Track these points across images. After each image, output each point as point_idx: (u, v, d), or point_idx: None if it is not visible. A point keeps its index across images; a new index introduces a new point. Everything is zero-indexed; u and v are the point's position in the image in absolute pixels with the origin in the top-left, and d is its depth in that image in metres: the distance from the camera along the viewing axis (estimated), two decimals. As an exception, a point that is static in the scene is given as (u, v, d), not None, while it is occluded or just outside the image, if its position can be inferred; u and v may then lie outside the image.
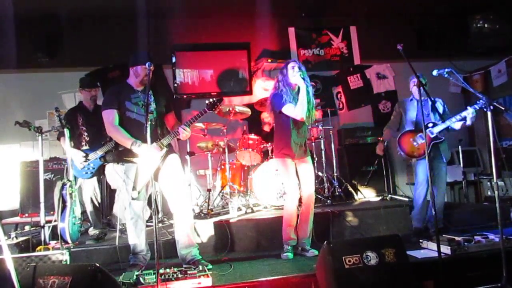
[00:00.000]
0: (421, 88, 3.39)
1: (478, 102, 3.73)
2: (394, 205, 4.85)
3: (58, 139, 4.45)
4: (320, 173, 5.54)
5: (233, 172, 5.25)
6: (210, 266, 3.34)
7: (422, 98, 3.74)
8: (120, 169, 3.45)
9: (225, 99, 6.35)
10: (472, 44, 6.78)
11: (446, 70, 3.27)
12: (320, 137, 5.67)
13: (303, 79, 3.61)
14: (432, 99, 4.30)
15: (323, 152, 5.68)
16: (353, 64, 6.91)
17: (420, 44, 6.88)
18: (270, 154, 5.18)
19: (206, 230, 4.18)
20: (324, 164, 5.61)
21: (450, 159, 4.88)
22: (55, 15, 5.83)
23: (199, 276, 2.95)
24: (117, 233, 4.01)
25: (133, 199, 3.35)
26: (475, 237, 3.57)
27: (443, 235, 3.66)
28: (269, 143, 5.15)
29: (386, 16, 6.66)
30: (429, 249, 3.56)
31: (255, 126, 5.96)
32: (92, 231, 4.38)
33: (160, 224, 4.67)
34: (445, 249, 3.36)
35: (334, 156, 6.08)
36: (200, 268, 3.09)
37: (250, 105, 5.64)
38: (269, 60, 6.40)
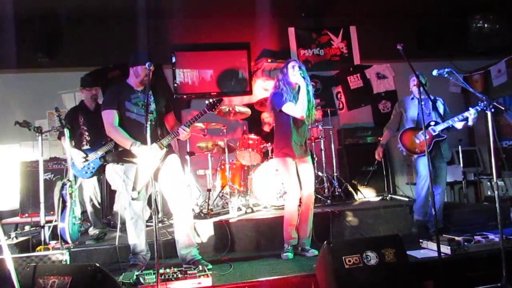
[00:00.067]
0: (421, 87, 3.39)
1: (480, 103, 3.75)
2: (394, 205, 4.86)
3: (59, 138, 4.45)
4: (320, 173, 5.54)
5: (233, 172, 5.25)
6: (210, 266, 3.34)
7: (423, 97, 3.75)
8: (120, 169, 3.45)
9: (225, 99, 6.34)
10: (472, 44, 6.78)
11: (446, 70, 3.27)
12: (320, 137, 5.67)
13: (303, 78, 3.62)
14: (433, 98, 4.32)
15: (323, 152, 5.68)
16: (353, 64, 6.91)
17: (420, 44, 6.89)
18: (270, 154, 5.18)
19: (206, 230, 4.18)
20: (324, 164, 5.61)
21: (450, 159, 4.88)
22: (55, 15, 5.83)
23: (199, 276, 2.95)
24: (117, 233, 4.00)
25: (133, 199, 3.35)
26: (475, 237, 3.57)
27: (443, 235, 3.66)
28: (269, 143, 5.15)
29: (386, 16, 6.66)
30: (429, 249, 3.56)
31: (255, 126, 5.96)
32: (92, 231, 4.39)
33: (160, 224, 4.67)
34: (445, 249, 3.36)
35: (334, 156, 6.08)
36: (200, 268, 3.09)
37: (250, 105, 5.64)
38: (269, 60, 6.40)
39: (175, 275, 2.95)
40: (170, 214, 4.52)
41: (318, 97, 6.08)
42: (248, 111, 5.31)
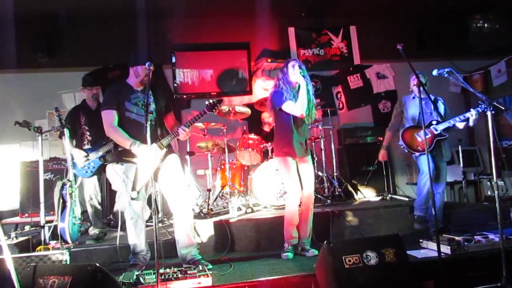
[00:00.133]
0: (421, 87, 3.39)
1: (480, 105, 3.76)
2: (394, 205, 4.86)
3: (60, 137, 4.46)
4: (320, 173, 5.54)
5: (233, 172, 5.25)
6: (210, 266, 3.34)
7: (423, 96, 3.75)
8: (119, 169, 3.45)
9: (225, 99, 6.35)
10: (472, 44, 6.79)
11: (446, 69, 3.27)
12: (320, 137, 5.67)
13: (303, 77, 3.62)
14: (433, 98, 4.32)
15: (323, 152, 5.68)
16: (353, 64, 6.92)
17: (420, 44, 6.90)
18: (270, 154, 5.18)
19: (206, 230, 4.18)
20: (324, 164, 5.61)
21: (450, 159, 4.88)
22: (55, 15, 5.83)
23: (199, 276, 2.95)
24: (118, 232, 4.00)
25: (132, 199, 3.35)
26: (475, 236, 3.57)
27: (443, 235, 3.66)
28: (269, 143, 5.15)
29: (386, 16, 6.66)
30: (429, 249, 3.56)
31: (255, 126, 5.97)
32: (92, 231, 4.39)
33: (160, 224, 4.68)
34: (445, 249, 3.36)
35: (334, 156, 6.08)
36: (200, 268, 3.09)
37: (250, 105, 5.64)
38: (269, 60, 6.40)
39: (175, 275, 2.95)
40: (170, 214, 4.52)
41: (318, 97, 6.08)
42: (248, 111, 5.31)
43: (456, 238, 3.51)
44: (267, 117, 5.74)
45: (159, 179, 3.44)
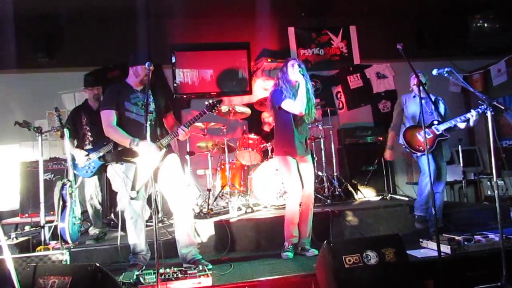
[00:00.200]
0: (421, 87, 3.39)
1: (481, 106, 3.76)
2: (394, 205, 4.86)
3: (62, 137, 4.46)
4: (320, 173, 5.54)
5: (233, 172, 5.25)
6: (210, 266, 3.34)
7: (424, 96, 3.75)
8: (119, 168, 3.45)
9: (225, 99, 6.36)
10: (472, 43, 6.79)
11: (446, 69, 3.27)
12: (320, 136, 5.68)
13: (303, 75, 3.63)
14: (434, 98, 4.32)
15: (323, 151, 5.68)
16: (353, 63, 6.92)
17: (420, 43, 6.90)
18: (270, 153, 5.18)
19: (206, 230, 4.18)
20: (324, 164, 5.61)
21: (450, 159, 4.88)
22: (55, 15, 5.83)
23: (199, 276, 2.95)
24: (118, 232, 4.00)
25: (131, 198, 3.35)
26: (475, 236, 3.57)
27: (443, 235, 3.66)
28: (269, 143, 5.15)
29: (386, 16, 6.66)
30: (429, 249, 3.56)
31: (255, 126, 5.97)
32: (92, 231, 4.39)
33: (160, 224, 4.68)
34: (445, 249, 3.36)
35: (334, 156, 6.08)
36: (200, 268, 3.09)
37: (250, 105, 5.64)
38: (269, 60, 6.40)
39: (175, 275, 2.95)
40: (170, 214, 4.53)
41: (318, 96, 6.07)
42: (248, 111, 5.31)
43: (456, 237, 3.51)
44: (267, 117, 5.74)
45: (159, 179, 3.44)
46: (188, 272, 3.00)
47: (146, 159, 3.25)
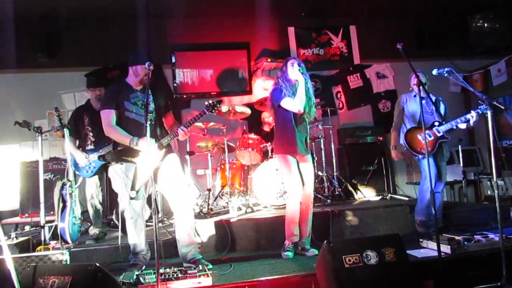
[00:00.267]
0: (421, 87, 3.40)
1: (480, 106, 3.76)
2: (394, 205, 4.86)
3: (63, 136, 4.47)
4: (320, 173, 5.54)
5: (233, 172, 5.25)
6: (210, 266, 3.34)
7: (424, 96, 3.75)
8: (119, 168, 3.45)
9: (225, 99, 6.36)
10: (472, 43, 6.79)
11: (446, 69, 3.27)
12: (320, 136, 5.68)
13: (302, 74, 3.64)
14: (435, 98, 4.31)
15: (323, 151, 5.68)
16: (353, 63, 6.91)
17: (420, 43, 6.90)
18: (270, 153, 5.18)
19: (206, 229, 4.18)
20: (324, 164, 5.61)
21: (450, 159, 4.87)
22: (55, 15, 5.83)
23: (199, 276, 2.95)
24: (119, 232, 4.00)
25: (131, 198, 3.35)
26: (475, 236, 3.57)
27: (443, 235, 3.66)
28: (269, 143, 5.14)
29: (386, 16, 6.66)
30: (429, 249, 3.56)
31: (255, 125, 5.97)
32: (92, 230, 4.39)
33: (160, 224, 4.68)
34: (445, 249, 3.36)
35: (334, 156, 6.07)
36: (200, 268, 3.09)
37: (250, 105, 5.64)
38: (269, 60, 6.39)
39: (175, 275, 2.95)
40: (170, 214, 4.52)
41: (318, 96, 6.06)
42: (248, 110, 5.30)
43: (456, 237, 3.52)
44: (267, 116, 5.74)
45: (159, 179, 3.44)
46: (188, 272, 3.01)
47: (146, 159, 3.25)
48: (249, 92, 6.57)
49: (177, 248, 3.50)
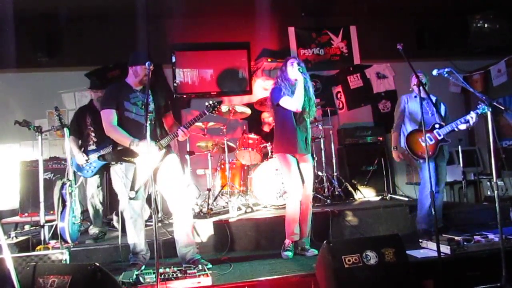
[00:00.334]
0: (421, 87, 3.39)
1: (479, 106, 3.75)
2: (393, 205, 4.86)
3: (64, 136, 4.49)
4: (320, 173, 5.54)
5: (233, 172, 5.25)
6: (209, 266, 3.34)
7: (424, 97, 3.74)
8: (119, 168, 3.45)
9: (225, 99, 6.37)
10: (472, 43, 6.78)
11: (446, 69, 3.27)
12: (320, 136, 5.68)
13: (302, 73, 3.65)
14: (435, 98, 4.30)
15: (323, 151, 5.68)
16: (353, 63, 6.91)
17: (420, 43, 6.89)
18: (270, 154, 5.18)
19: (206, 229, 4.18)
20: (324, 164, 5.61)
21: (450, 159, 4.85)
22: (55, 14, 5.83)
23: (199, 276, 2.95)
24: (119, 232, 4.00)
25: (130, 198, 3.35)
26: (475, 236, 3.57)
27: (443, 235, 3.66)
28: (269, 143, 5.14)
29: (386, 16, 6.66)
30: (428, 249, 3.56)
31: (255, 125, 5.97)
32: (92, 230, 4.39)
33: (159, 224, 4.67)
34: (445, 249, 3.36)
35: (334, 156, 6.07)
36: (200, 268, 3.08)
37: (250, 105, 5.64)
38: (269, 60, 6.40)
39: (175, 275, 2.95)
40: (169, 214, 4.52)
41: (318, 96, 6.06)
42: (248, 110, 5.31)
43: (456, 238, 3.52)
44: (267, 117, 5.74)
45: (158, 179, 3.44)
46: (188, 271, 3.00)
47: (145, 159, 3.24)
48: (249, 92, 6.57)
49: (176, 248, 3.50)
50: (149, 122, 2.92)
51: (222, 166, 5.29)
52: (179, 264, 3.31)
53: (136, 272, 3.08)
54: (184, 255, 3.44)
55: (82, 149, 4.38)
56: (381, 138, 6.46)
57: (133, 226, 3.42)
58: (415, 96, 4.35)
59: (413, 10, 6.63)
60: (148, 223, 3.89)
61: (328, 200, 5.17)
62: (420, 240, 3.75)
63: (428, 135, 4.11)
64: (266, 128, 5.80)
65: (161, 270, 2.95)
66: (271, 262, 3.59)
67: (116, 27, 6.12)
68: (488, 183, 6.41)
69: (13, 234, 4.04)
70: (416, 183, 5.86)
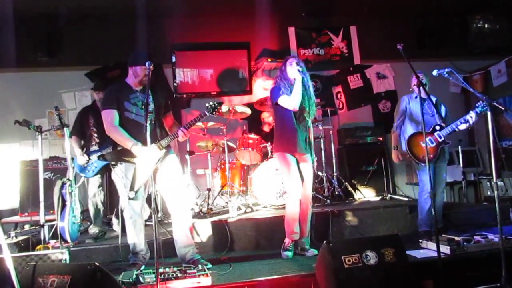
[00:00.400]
0: (422, 88, 3.39)
1: (478, 105, 3.74)
2: (393, 205, 4.86)
3: (70, 136, 4.49)
4: (319, 173, 5.54)
5: (233, 172, 5.25)
6: (209, 266, 3.34)
7: (425, 97, 3.73)
8: (119, 168, 3.45)
9: (225, 99, 6.37)
10: (472, 44, 6.79)
11: (446, 70, 3.27)
12: (320, 136, 5.68)
13: (301, 72, 3.65)
14: (436, 99, 4.30)
15: (323, 151, 5.68)
16: (353, 63, 6.91)
17: (420, 44, 6.90)
18: (270, 153, 5.18)
19: (206, 229, 4.18)
20: (323, 164, 5.61)
21: (450, 159, 4.84)
22: (55, 14, 5.83)
23: (199, 276, 2.95)
24: (119, 232, 4.00)
25: (130, 198, 3.35)
26: (475, 237, 3.57)
27: (443, 235, 3.66)
28: (269, 143, 5.14)
29: (386, 16, 6.66)
30: (428, 249, 3.56)
31: (255, 125, 5.97)
32: (92, 229, 4.39)
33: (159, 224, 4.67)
34: (445, 249, 3.36)
35: (334, 156, 6.07)
36: (200, 268, 3.08)
37: (250, 105, 5.65)
38: (269, 60, 6.40)
39: (174, 274, 2.95)
40: (169, 214, 4.51)
41: (318, 96, 6.06)
42: (248, 110, 5.31)
43: (456, 238, 3.52)
44: (267, 116, 5.74)
45: (158, 179, 3.43)
46: (188, 271, 3.00)
47: (145, 160, 3.24)
48: (249, 92, 6.57)
49: (175, 248, 3.50)
50: (149, 122, 2.92)
51: (222, 166, 5.29)
52: (179, 264, 3.31)
53: (136, 272, 3.08)
54: (183, 255, 3.44)
55: (85, 150, 4.39)
56: (381, 138, 6.46)
57: (133, 226, 3.42)
58: (416, 97, 4.34)
59: (413, 10, 6.63)
60: (148, 223, 3.89)
61: (328, 200, 5.17)
62: (420, 240, 3.75)
63: (429, 137, 4.10)
64: (266, 128, 5.80)
65: (161, 270, 2.95)
66: (271, 262, 3.59)
67: (116, 27, 6.12)
68: (488, 183, 6.40)
69: (13, 233, 4.04)
70: (416, 183, 5.86)
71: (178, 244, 3.46)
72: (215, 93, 6.44)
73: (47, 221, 4.05)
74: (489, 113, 3.07)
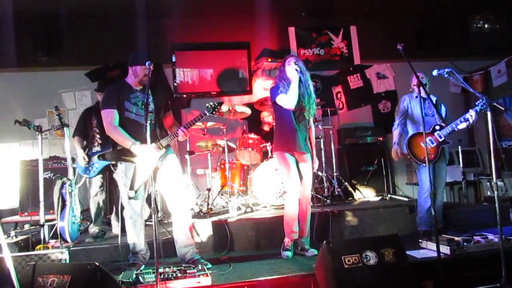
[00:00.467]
0: (421, 88, 3.39)
1: (477, 103, 3.74)
2: (393, 205, 4.85)
3: (73, 137, 4.50)
4: (319, 173, 5.54)
5: (233, 172, 5.25)
6: (209, 266, 3.34)
7: (425, 97, 3.73)
8: (119, 168, 3.45)
9: (225, 99, 6.37)
10: (472, 44, 6.78)
11: (446, 70, 3.27)
12: (320, 136, 5.68)
13: (300, 71, 3.64)
14: (436, 99, 4.30)
15: (322, 151, 5.68)
16: (353, 63, 6.91)
17: (420, 44, 6.90)
18: (270, 153, 5.18)
19: (206, 229, 4.18)
20: (323, 164, 5.60)
21: (450, 159, 4.84)
22: (56, 14, 5.83)
23: (199, 276, 2.95)
24: (119, 231, 4.00)
25: (129, 198, 3.35)
26: (475, 237, 3.57)
27: (443, 235, 3.66)
28: (269, 143, 5.14)
29: (386, 16, 6.66)
30: (428, 249, 3.56)
31: (255, 125, 5.97)
32: (92, 228, 4.39)
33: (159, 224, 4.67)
34: (445, 249, 3.36)
35: (333, 156, 6.07)
36: (200, 268, 3.08)
37: (250, 105, 5.64)
38: (269, 60, 6.40)
39: (174, 274, 2.95)
40: (169, 213, 4.51)
41: (318, 96, 6.04)
42: (248, 110, 5.31)
43: (456, 238, 3.52)
44: (266, 116, 5.74)
45: (158, 179, 3.44)
46: (188, 271, 3.00)
47: (145, 159, 3.24)
48: (249, 92, 6.57)
49: (175, 248, 3.50)
50: (149, 122, 2.92)
51: (222, 166, 5.29)
52: (179, 264, 3.31)
53: (135, 272, 3.08)
54: (183, 255, 3.44)
55: (87, 150, 4.39)
56: (381, 138, 6.47)
57: (133, 226, 3.42)
58: (416, 97, 4.34)
59: (413, 10, 6.63)
60: (148, 223, 3.89)
61: (328, 200, 5.17)
62: (420, 241, 3.75)
63: (429, 137, 4.11)
64: (266, 128, 5.80)
65: (160, 270, 2.95)
66: (271, 262, 3.59)
67: (116, 27, 6.11)
68: (488, 183, 6.40)
69: (13, 233, 4.04)
70: (416, 183, 5.86)
71: (178, 244, 3.46)
72: (215, 93, 6.44)
73: (47, 220, 4.05)
74: (489, 113, 3.07)
